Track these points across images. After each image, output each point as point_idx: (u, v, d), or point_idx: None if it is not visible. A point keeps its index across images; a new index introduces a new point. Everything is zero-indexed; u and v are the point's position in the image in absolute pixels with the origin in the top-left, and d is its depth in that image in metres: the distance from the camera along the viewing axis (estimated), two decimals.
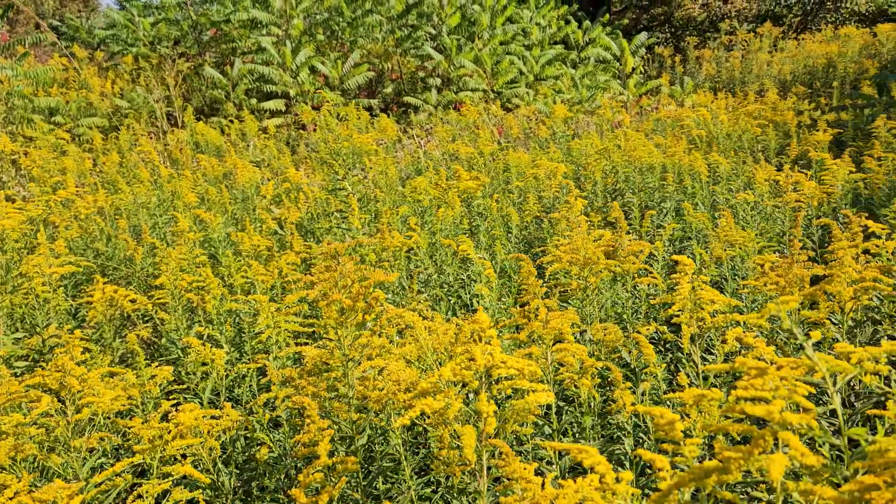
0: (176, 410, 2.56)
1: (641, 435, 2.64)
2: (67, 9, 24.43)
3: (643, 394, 2.64)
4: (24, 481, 2.28)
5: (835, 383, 1.11)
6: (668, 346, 3.48)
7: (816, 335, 1.14)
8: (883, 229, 2.98)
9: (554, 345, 2.27)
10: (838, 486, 1.10)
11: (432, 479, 2.57)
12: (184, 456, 2.44)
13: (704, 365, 2.58)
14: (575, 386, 2.07)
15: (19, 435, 2.44)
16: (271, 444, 2.49)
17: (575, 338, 3.39)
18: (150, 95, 11.08)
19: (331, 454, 2.02)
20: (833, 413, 1.89)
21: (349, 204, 4.82)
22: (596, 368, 2.45)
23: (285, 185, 6.33)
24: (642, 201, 5.81)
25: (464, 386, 1.59)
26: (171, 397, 3.28)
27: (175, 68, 11.91)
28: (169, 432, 2.41)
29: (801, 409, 1.10)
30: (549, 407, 2.04)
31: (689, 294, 2.00)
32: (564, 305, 3.47)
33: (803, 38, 15.52)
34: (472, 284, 4.40)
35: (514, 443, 2.20)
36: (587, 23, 15.45)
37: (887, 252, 2.85)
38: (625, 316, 3.44)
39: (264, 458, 2.56)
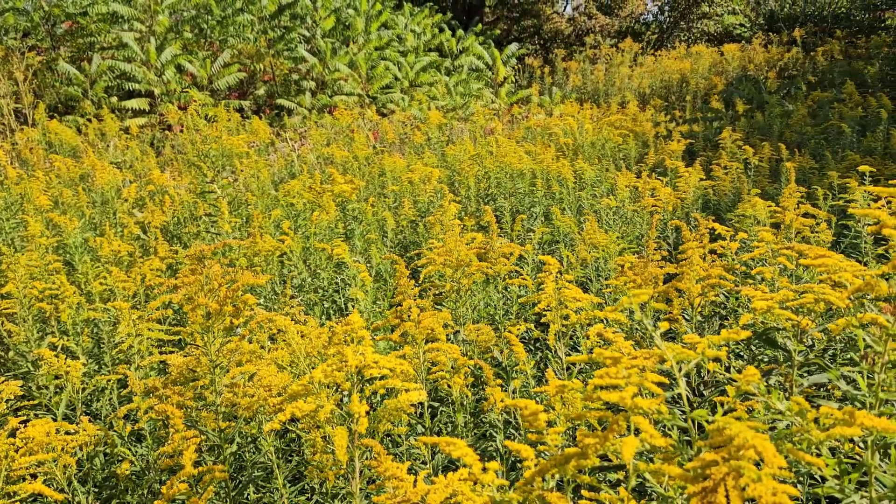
0: (24, 427, 2.38)
1: (512, 431, 2.72)
2: None
3: (514, 391, 2.73)
4: None
5: (681, 370, 1.19)
6: (538, 344, 3.61)
7: (664, 325, 1.23)
8: (727, 231, 3.24)
9: (427, 344, 2.30)
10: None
11: (306, 485, 2.53)
12: (33, 476, 2.27)
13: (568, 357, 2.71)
14: (448, 385, 2.11)
15: None
16: (133, 459, 2.37)
17: (449, 338, 3.45)
18: None
19: (197, 464, 1.95)
20: (680, 398, 2.03)
21: (219, 208, 4.66)
22: (469, 367, 2.51)
23: (149, 188, 6.03)
24: (513, 206, 5.99)
25: (338, 389, 1.58)
26: (19, 413, 3.04)
27: (24, 62, 11.06)
28: (17, 449, 2.24)
29: (652, 395, 1.18)
30: (422, 406, 2.07)
31: (554, 293, 2.09)
32: (439, 307, 3.52)
33: (660, 55, 16.57)
34: (347, 288, 4.38)
35: (390, 444, 2.21)
36: (461, 31, 15.77)
37: (731, 252, 3.10)
38: (496, 316, 3.53)
39: (126, 474, 2.43)
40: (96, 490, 2.78)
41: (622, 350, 2.09)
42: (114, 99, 11.61)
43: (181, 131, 10.11)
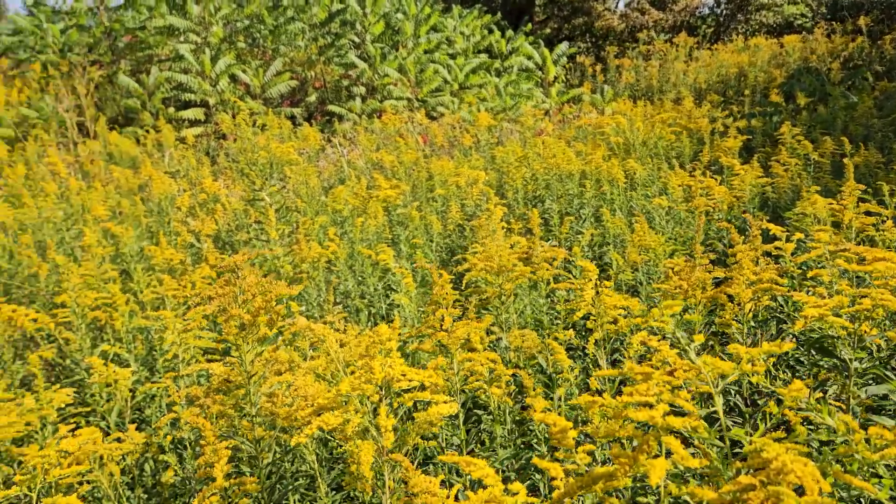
0: (73, 435, 2.43)
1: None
2: None
3: (559, 399, 2.66)
4: None
5: (717, 385, 1.12)
6: (585, 350, 3.53)
7: (699, 339, 1.15)
8: (783, 232, 3.09)
9: (463, 354, 2.26)
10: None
11: (351, 492, 2.51)
12: (81, 483, 2.32)
13: (616, 367, 2.62)
14: (486, 395, 2.06)
15: None
16: (176, 468, 2.39)
17: (492, 345, 3.40)
18: (59, 105, 10.62)
19: (233, 475, 1.94)
20: (725, 414, 1.93)
21: (267, 215, 4.71)
22: (510, 376, 2.45)
23: (202, 197, 6.15)
24: (562, 208, 5.90)
25: (366, 401, 1.55)
26: (71, 420, 3.12)
27: (87, 76, 11.45)
28: (64, 457, 2.29)
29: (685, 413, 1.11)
30: (458, 417, 2.03)
31: (594, 300, 2.02)
32: (486, 311, 3.47)
33: (716, 49, 16.14)
34: (393, 294, 4.36)
35: (425, 455, 2.17)
36: (510, 32, 15.67)
37: (787, 254, 2.96)
38: (543, 322, 3.46)
39: (170, 482, 2.45)
40: (145, 496, 2.83)
41: (667, 360, 2.00)
42: (171, 110, 11.92)
43: (235, 140, 10.31)
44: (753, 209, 5.24)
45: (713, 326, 2.90)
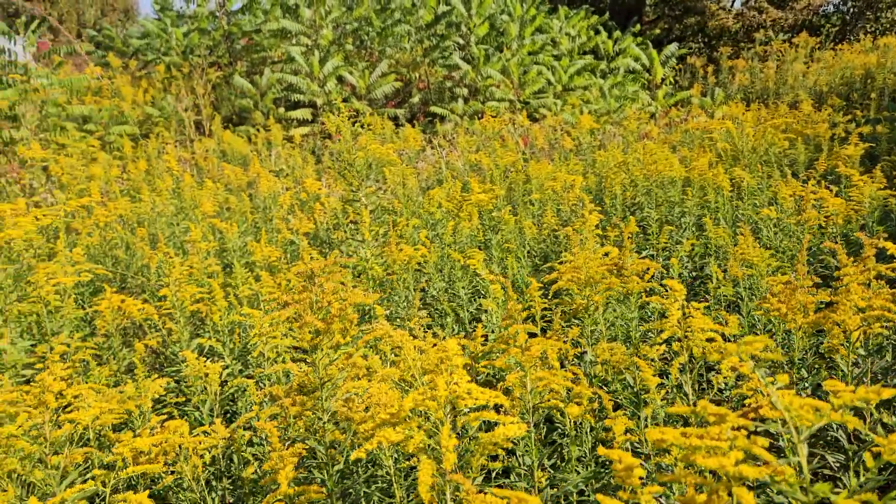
0: (161, 427, 2.53)
1: (642, 462, 2.53)
2: (108, 18, 24.98)
3: (646, 419, 2.54)
4: (10, 494, 2.27)
5: (800, 433, 1.02)
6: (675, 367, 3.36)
7: (783, 379, 1.05)
8: None
9: (552, 367, 2.19)
10: None
11: None
12: (168, 473, 2.41)
13: (702, 394, 2.47)
14: (561, 414, 1.99)
15: (9, 447, 2.42)
16: (255, 465, 2.45)
17: (577, 358, 3.30)
18: (179, 104, 11.22)
19: (303, 480, 1.96)
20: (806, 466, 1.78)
21: (361, 215, 4.78)
22: (592, 394, 2.36)
23: (302, 195, 6.33)
24: (662, 216, 5.68)
25: (432, 417, 1.52)
26: (167, 410, 3.26)
27: (205, 77, 12.05)
28: (156, 446, 2.39)
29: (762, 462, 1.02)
30: (529, 437, 1.96)
31: (679, 322, 1.90)
32: (576, 322, 3.37)
33: (841, 49, 15.16)
34: (481, 300, 4.33)
35: (495, 475, 2.12)
36: (617, 33, 15.30)
37: None
38: (632, 336, 3.33)
39: (251, 477, 2.52)
40: (231, 488, 2.92)
41: (760, 389, 1.86)
42: (281, 109, 12.37)
43: (339, 140, 10.58)
44: (872, 224, 4.86)
45: (821, 347, 2.70)
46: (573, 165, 6.85)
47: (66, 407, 2.64)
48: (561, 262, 3.37)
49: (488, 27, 13.79)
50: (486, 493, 1.21)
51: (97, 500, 2.62)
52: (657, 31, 17.77)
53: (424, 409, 1.44)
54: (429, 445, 1.44)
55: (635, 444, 2.49)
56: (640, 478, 1.10)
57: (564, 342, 3.10)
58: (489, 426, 2.53)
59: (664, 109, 13.15)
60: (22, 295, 4.04)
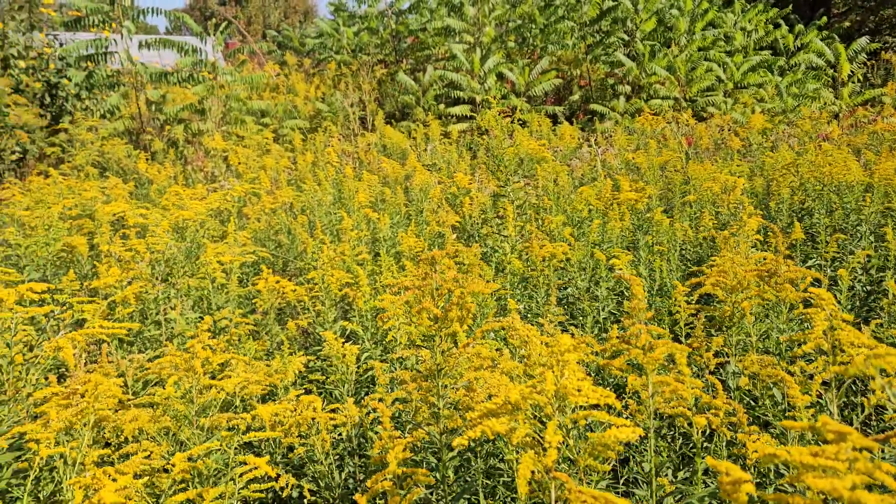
0: (297, 400, 2.68)
1: (772, 478, 2.33)
2: (289, 20, 26.77)
3: (793, 440, 2.33)
4: (164, 448, 2.49)
5: None
6: (825, 384, 3.06)
7: None
8: None
9: (681, 373, 2.07)
10: None
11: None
12: (300, 445, 2.54)
13: (851, 416, 2.24)
14: (689, 424, 1.87)
15: (167, 407, 2.66)
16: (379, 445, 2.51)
17: (718, 368, 3.10)
18: (346, 100, 11.80)
19: (419, 464, 1.98)
20: None
21: (507, 211, 4.78)
22: (729, 408, 2.21)
23: (452, 190, 6.43)
24: (834, 223, 5.20)
25: (540, 412, 1.48)
26: (304, 386, 3.44)
27: (371, 74, 12.58)
28: (297, 412, 2.54)
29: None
30: (645, 442, 1.86)
31: (825, 334, 1.72)
32: (719, 331, 3.17)
33: None
34: (625, 301, 4.18)
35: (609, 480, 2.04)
36: (800, 26, 14.19)
37: None
38: (781, 349, 3.07)
39: (377, 457, 2.59)
40: (361, 466, 3.03)
41: None
42: (441, 106, 12.65)
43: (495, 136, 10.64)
44: None
45: None
46: (736, 167, 6.44)
47: (216, 375, 2.86)
48: (709, 266, 3.18)
49: (655, 22, 13.29)
50: (582, 493, 1.16)
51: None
52: (847, 23, 16.26)
53: (532, 402, 1.41)
54: (533, 439, 1.40)
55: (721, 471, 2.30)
56: (748, 494, 1.00)
57: (707, 350, 2.92)
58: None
59: (849, 109, 12.04)
60: (192, 271, 4.43)
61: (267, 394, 3.23)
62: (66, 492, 1.89)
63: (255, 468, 1.76)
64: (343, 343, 3.12)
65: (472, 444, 2.34)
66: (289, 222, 6.36)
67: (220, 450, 2.04)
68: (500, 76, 13.04)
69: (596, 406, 1.47)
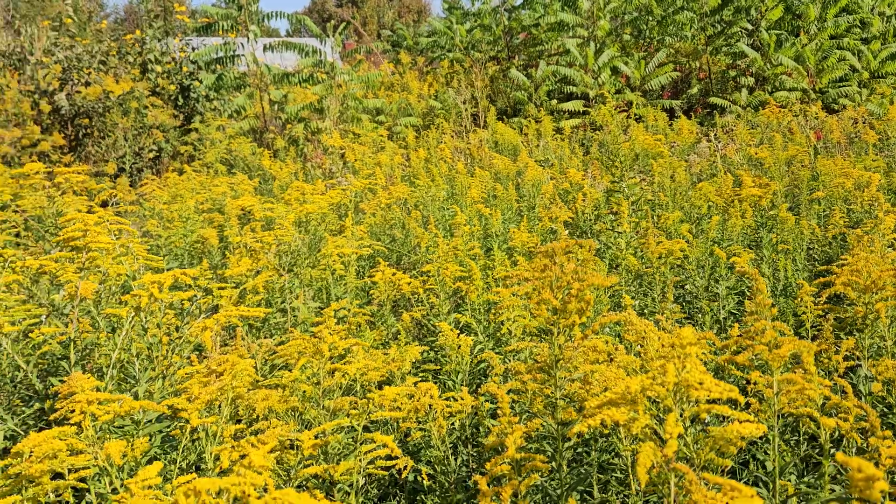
0: (415, 386, 2.77)
1: None
2: (403, 20, 27.32)
3: None
4: (291, 426, 2.65)
5: None
6: None
7: None
8: None
9: (808, 372, 1.99)
10: None
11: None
12: (417, 430, 2.64)
13: None
14: (816, 425, 1.81)
15: (294, 389, 2.83)
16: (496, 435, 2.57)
17: (849, 371, 2.95)
18: (458, 97, 11.94)
19: (536, 452, 2.02)
20: None
21: (621, 206, 4.72)
22: (859, 411, 2.11)
23: (564, 185, 6.40)
24: None
25: (661, 403, 1.49)
26: (419, 375, 3.54)
27: (483, 71, 12.67)
28: (415, 399, 2.64)
29: None
30: (769, 440, 1.81)
31: None
32: (850, 335, 3.02)
33: None
34: (746, 301, 4.03)
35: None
36: None
37: None
38: None
39: (491, 445, 2.64)
40: (475, 455, 3.10)
41: None
42: (553, 101, 12.56)
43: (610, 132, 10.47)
44: None
45: None
46: (871, 162, 6.06)
47: (339, 359, 3.01)
48: (840, 265, 3.03)
49: (782, 10, 12.63)
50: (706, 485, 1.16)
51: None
52: None
53: (653, 394, 1.41)
54: (654, 430, 1.41)
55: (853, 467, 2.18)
56: (882, 492, 0.98)
57: (836, 353, 2.79)
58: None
59: None
60: (314, 263, 4.65)
61: (384, 381, 3.36)
62: (209, 460, 2.05)
63: (384, 446, 1.85)
64: (458, 334, 3.20)
65: (587, 437, 2.35)
66: (403, 217, 6.53)
67: (349, 427, 2.15)
68: (615, 70, 12.80)
69: (716, 401, 1.46)
